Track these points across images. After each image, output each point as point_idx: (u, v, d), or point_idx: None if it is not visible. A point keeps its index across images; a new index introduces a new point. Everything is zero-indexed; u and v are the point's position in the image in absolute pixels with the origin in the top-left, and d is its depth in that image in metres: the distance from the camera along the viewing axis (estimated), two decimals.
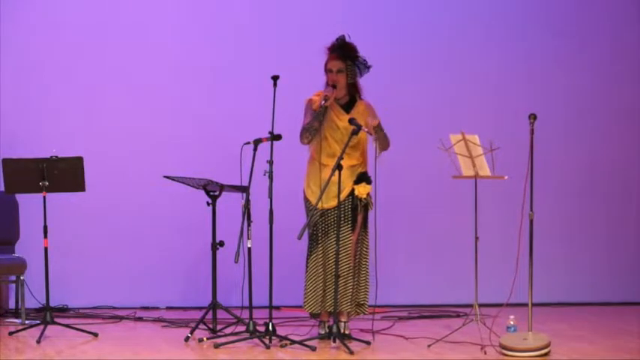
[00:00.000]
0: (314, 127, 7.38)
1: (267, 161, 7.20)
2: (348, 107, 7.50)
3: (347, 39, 7.47)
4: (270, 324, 7.23)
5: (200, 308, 8.33)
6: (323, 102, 7.32)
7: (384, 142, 7.37)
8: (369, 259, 7.53)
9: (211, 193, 7.69)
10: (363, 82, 7.64)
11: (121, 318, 8.54)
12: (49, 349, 7.20)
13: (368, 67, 7.51)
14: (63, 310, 8.79)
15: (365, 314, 7.57)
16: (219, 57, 9.22)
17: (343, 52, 7.44)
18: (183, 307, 9.04)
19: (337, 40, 7.47)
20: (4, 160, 7.68)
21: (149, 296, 9.08)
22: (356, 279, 7.47)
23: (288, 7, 9.32)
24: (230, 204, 7.98)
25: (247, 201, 7.26)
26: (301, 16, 9.30)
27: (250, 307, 7.30)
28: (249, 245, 7.26)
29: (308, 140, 7.42)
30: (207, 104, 9.20)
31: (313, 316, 7.56)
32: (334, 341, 7.24)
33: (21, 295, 8.29)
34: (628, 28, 9.73)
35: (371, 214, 7.49)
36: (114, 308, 8.94)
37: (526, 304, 7.17)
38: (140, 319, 8.55)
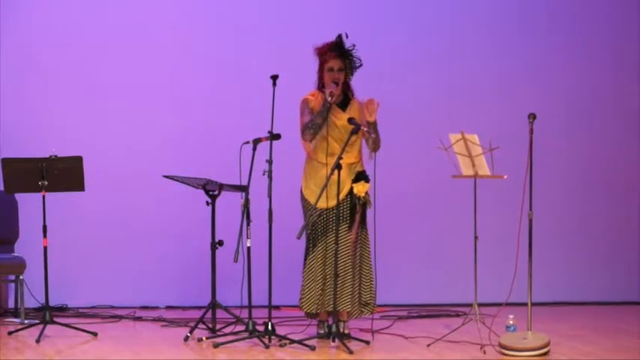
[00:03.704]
0: (317, 123, 7.38)
1: (267, 160, 7.19)
2: (343, 106, 7.51)
3: (345, 38, 7.48)
4: (270, 323, 7.23)
5: (199, 308, 8.33)
6: (329, 98, 7.34)
7: (376, 142, 7.39)
8: (371, 257, 7.53)
9: (211, 193, 7.69)
10: (364, 81, 7.64)
11: (121, 317, 8.54)
12: (49, 349, 7.20)
13: (359, 66, 7.54)
14: (62, 310, 8.80)
15: (372, 313, 7.56)
16: (219, 56, 9.22)
17: (342, 51, 7.48)
18: (182, 307, 9.04)
19: (336, 39, 7.49)
20: (4, 160, 7.68)
21: (148, 296, 9.08)
22: (357, 278, 7.47)
23: (289, 6, 9.33)
24: (229, 203, 7.98)
25: (246, 200, 7.26)
26: (301, 15, 9.30)
27: (250, 307, 7.29)
28: (248, 245, 7.26)
29: (311, 137, 7.42)
30: (206, 104, 9.20)
31: (309, 315, 7.55)
32: (333, 341, 7.24)
33: (20, 295, 8.29)
34: (628, 28, 9.73)
35: (370, 213, 7.49)
36: (113, 308, 8.94)
37: (525, 304, 7.16)
38: (139, 318, 8.54)
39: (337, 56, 7.46)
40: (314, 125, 7.39)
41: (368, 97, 7.53)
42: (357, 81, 7.63)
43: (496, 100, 9.52)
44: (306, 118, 7.44)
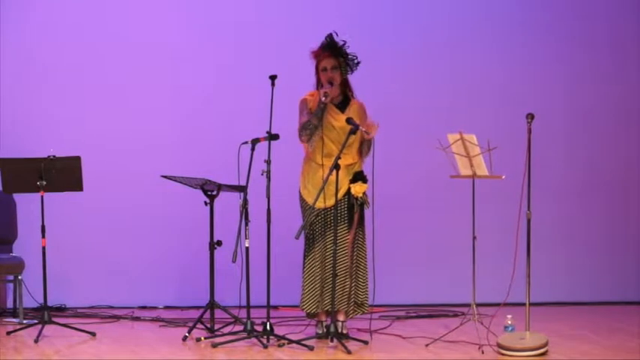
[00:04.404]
0: (313, 124, 7.37)
1: (265, 161, 7.19)
2: (342, 107, 7.51)
3: (335, 37, 7.48)
4: (268, 323, 7.24)
5: (198, 308, 8.31)
6: (323, 98, 7.33)
7: (367, 149, 7.40)
8: (367, 258, 7.53)
9: (209, 193, 7.68)
10: (363, 81, 7.64)
11: (119, 317, 8.55)
12: (47, 349, 7.20)
13: (357, 63, 7.53)
14: (61, 310, 8.80)
15: (365, 313, 7.56)
16: (218, 56, 9.22)
17: (335, 50, 7.47)
18: (180, 307, 9.04)
19: (326, 38, 7.49)
20: (2, 160, 7.68)
21: (147, 296, 9.08)
22: (354, 278, 7.47)
23: (288, 6, 9.32)
24: (228, 203, 7.98)
25: (245, 200, 7.25)
26: (301, 15, 9.29)
27: (248, 307, 7.29)
28: (246, 245, 7.26)
29: (307, 138, 7.41)
30: (205, 104, 9.20)
31: (310, 315, 7.56)
32: (332, 341, 7.24)
33: (19, 295, 8.29)
34: (628, 28, 9.72)
35: (368, 213, 7.49)
36: (112, 308, 8.94)
37: (524, 304, 7.15)
38: (138, 318, 8.55)
39: (329, 55, 7.45)
40: (310, 126, 7.38)
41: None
42: (356, 81, 7.62)
43: (494, 100, 9.52)
44: (303, 119, 7.44)
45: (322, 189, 7.19)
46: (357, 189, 7.39)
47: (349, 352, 7.01)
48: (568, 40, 9.65)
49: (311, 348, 7.13)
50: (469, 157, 7.36)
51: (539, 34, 9.60)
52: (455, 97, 9.46)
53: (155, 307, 9.05)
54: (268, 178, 7.19)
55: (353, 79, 7.61)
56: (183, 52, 9.19)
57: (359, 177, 7.43)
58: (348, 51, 7.50)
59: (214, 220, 7.72)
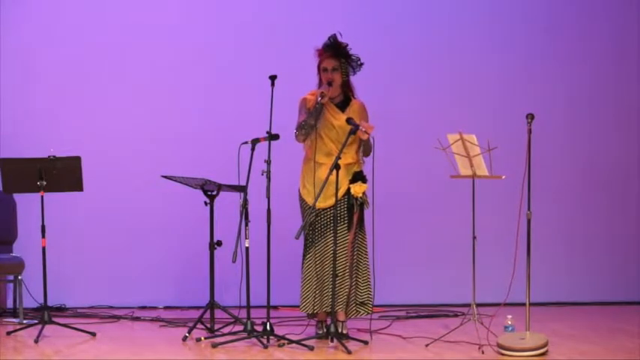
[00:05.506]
0: (309, 124, 7.38)
1: (265, 161, 7.19)
2: (342, 106, 7.51)
3: (339, 37, 7.48)
4: (268, 323, 7.24)
5: (198, 308, 8.32)
6: (320, 99, 7.33)
7: (367, 150, 7.40)
8: (368, 257, 7.53)
9: (209, 193, 7.69)
10: (363, 81, 7.64)
11: (119, 317, 8.55)
12: (47, 349, 7.20)
13: (360, 65, 7.53)
14: (61, 310, 8.80)
15: (370, 313, 7.55)
16: (218, 56, 9.22)
17: (337, 51, 7.48)
18: (180, 307, 9.04)
19: (329, 39, 7.50)
20: (2, 160, 7.68)
21: (147, 296, 9.08)
22: (354, 278, 7.47)
23: (288, 6, 9.32)
24: (228, 204, 7.98)
25: (245, 200, 7.25)
26: (301, 15, 9.30)
27: (248, 307, 7.29)
28: (246, 245, 7.27)
29: (303, 138, 7.43)
30: (205, 104, 9.20)
31: (310, 316, 7.56)
32: (332, 341, 7.24)
33: (19, 295, 8.29)
34: (628, 27, 9.72)
35: (368, 213, 7.49)
36: (112, 308, 8.94)
37: (524, 304, 7.15)
38: (138, 318, 8.54)
39: (331, 56, 7.46)
40: (306, 125, 7.39)
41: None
42: (356, 81, 7.62)
43: (495, 100, 9.52)
44: (301, 118, 7.45)
45: (322, 189, 7.19)
46: (357, 189, 7.39)
47: (349, 352, 7.01)
48: (568, 40, 9.65)
49: (311, 348, 7.14)
50: (469, 157, 7.37)
51: (539, 34, 9.60)
52: (455, 97, 9.46)
53: (155, 307, 9.05)
54: (268, 178, 7.19)
55: (353, 79, 7.60)
56: (184, 52, 9.19)
57: (358, 177, 7.43)
58: (351, 52, 7.50)
59: (214, 220, 7.72)
